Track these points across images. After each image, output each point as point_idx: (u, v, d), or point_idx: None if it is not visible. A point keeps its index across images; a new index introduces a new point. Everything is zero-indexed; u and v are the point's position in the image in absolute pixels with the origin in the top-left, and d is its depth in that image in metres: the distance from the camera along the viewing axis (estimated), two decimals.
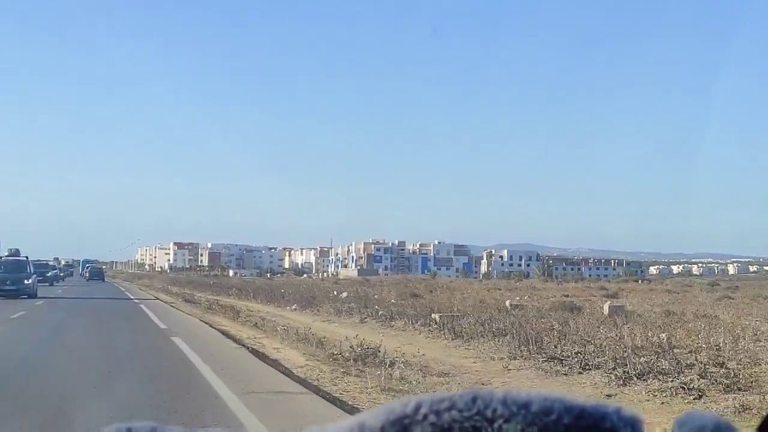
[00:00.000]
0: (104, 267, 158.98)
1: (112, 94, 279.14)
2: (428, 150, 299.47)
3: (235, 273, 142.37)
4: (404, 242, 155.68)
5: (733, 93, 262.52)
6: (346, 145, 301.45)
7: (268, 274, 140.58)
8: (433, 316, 21.95)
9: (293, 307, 30.71)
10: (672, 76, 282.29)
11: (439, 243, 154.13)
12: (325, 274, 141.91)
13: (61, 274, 69.71)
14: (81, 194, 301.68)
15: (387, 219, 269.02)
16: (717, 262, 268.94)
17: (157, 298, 34.23)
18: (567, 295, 42.59)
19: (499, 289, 49.50)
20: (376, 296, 37.27)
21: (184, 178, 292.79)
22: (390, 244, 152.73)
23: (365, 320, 23.11)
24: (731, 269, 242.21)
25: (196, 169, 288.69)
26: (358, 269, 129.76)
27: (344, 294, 35.53)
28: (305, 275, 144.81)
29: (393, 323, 21.52)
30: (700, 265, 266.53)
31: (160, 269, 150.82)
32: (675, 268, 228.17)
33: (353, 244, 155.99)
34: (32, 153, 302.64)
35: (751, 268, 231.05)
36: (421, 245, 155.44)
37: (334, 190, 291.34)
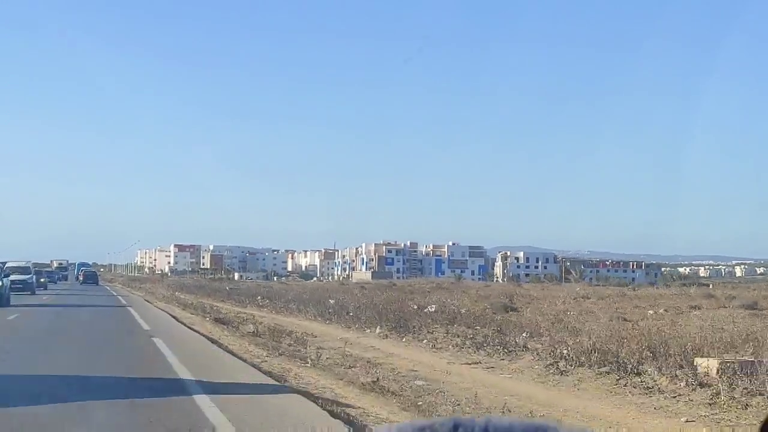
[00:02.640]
0: (102, 270, 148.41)
1: (110, 98, 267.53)
2: (423, 153, 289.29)
3: (241, 276, 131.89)
4: (416, 244, 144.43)
5: (726, 95, 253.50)
6: (347, 147, 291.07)
7: (276, 278, 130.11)
8: (698, 362, 11.53)
9: (377, 330, 20.18)
10: (660, 81, 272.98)
11: (454, 244, 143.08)
12: (341, 276, 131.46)
13: (43, 279, 51.35)
14: (79, 196, 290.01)
15: (384, 221, 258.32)
16: (723, 264, 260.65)
17: (178, 320, 22.86)
18: (696, 306, 32.30)
19: (588, 298, 38.93)
20: (464, 310, 26.77)
21: (183, 180, 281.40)
22: (402, 246, 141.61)
23: (560, 366, 12.55)
24: (738, 271, 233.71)
25: (195, 172, 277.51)
26: (372, 272, 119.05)
27: (432, 308, 25.00)
28: (315, 279, 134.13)
29: (637, 379, 11.01)
30: (706, 267, 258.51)
31: (160, 272, 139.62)
32: (682, 270, 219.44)
33: (363, 245, 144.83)
34: (30, 155, 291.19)
35: (758, 270, 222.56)
36: (434, 247, 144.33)
37: (335, 192, 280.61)
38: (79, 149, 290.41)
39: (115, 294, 46.18)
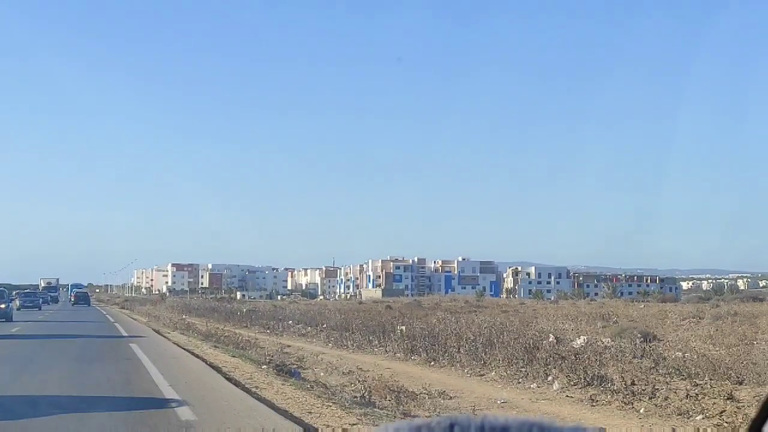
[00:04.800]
0: (98, 291, 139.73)
1: (101, 117, 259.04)
2: (417, 168, 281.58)
3: (243, 295, 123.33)
4: (424, 260, 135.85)
5: (713, 107, 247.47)
6: (341, 164, 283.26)
7: (279, 297, 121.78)
8: None
9: (555, 385, 12.13)
10: (635, 100, 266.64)
11: (464, 260, 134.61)
12: (347, 294, 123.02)
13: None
14: (74, 217, 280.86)
15: (383, 237, 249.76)
16: (724, 278, 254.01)
17: (222, 372, 13.57)
18: None
19: (701, 317, 30.87)
20: (607, 340, 18.70)
21: (179, 200, 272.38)
22: (410, 262, 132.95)
23: None
24: (741, 284, 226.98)
25: (191, 192, 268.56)
26: (382, 290, 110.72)
27: (581, 340, 16.94)
28: (320, 297, 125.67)
29: None
30: (708, 281, 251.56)
31: (159, 293, 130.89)
32: (684, 285, 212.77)
33: (369, 262, 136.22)
34: (26, 173, 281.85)
35: (761, 283, 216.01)
36: (443, 262, 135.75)
37: (332, 209, 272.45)
38: (71, 170, 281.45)
39: (112, 321, 37.28)
